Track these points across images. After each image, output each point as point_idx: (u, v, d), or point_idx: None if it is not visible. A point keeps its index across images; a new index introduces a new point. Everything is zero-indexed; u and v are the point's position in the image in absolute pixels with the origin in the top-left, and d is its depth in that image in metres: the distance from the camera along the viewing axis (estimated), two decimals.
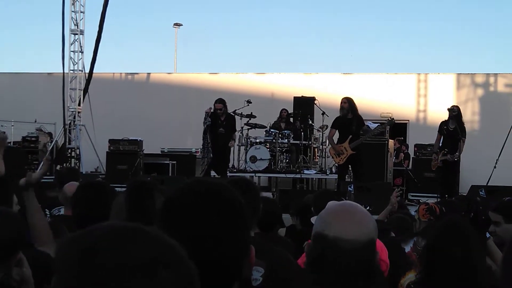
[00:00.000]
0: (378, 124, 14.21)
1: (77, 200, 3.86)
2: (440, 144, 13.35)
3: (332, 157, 13.52)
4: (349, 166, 13.37)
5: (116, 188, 4.06)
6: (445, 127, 13.21)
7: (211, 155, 14.20)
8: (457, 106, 13.50)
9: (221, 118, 14.04)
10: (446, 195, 12.62)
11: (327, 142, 16.50)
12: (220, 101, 14.17)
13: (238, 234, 1.68)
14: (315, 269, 2.22)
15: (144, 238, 1.21)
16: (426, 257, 3.27)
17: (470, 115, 20.19)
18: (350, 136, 12.99)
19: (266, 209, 5.31)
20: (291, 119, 17.04)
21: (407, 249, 4.71)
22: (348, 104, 13.09)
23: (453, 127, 13.02)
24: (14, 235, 2.73)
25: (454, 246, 3.16)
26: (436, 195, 13.27)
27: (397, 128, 17.68)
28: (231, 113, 14.55)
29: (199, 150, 15.10)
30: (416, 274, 3.57)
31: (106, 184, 4.01)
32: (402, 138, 15.90)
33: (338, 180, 13.49)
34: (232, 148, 15.14)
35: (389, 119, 13.76)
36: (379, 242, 4.11)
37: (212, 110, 14.14)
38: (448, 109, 13.22)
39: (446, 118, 13.31)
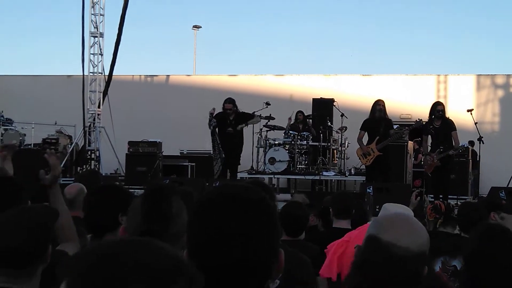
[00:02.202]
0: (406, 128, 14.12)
1: (85, 204, 3.90)
2: (430, 145, 13.16)
3: (359, 158, 13.60)
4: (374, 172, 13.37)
5: (136, 190, 4.08)
6: (431, 126, 12.95)
7: (223, 155, 14.23)
8: (441, 106, 13.26)
9: (230, 118, 13.99)
10: (441, 196, 12.47)
11: (346, 143, 16.51)
12: (230, 101, 14.12)
13: (266, 234, 1.71)
14: (363, 271, 2.22)
15: (160, 249, 1.25)
16: (471, 267, 3.22)
17: (490, 116, 20.08)
18: (378, 138, 13.03)
19: (296, 213, 5.26)
20: (310, 121, 17.01)
21: (436, 269, 4.65)
22: (384, 107, 13.18)
23: (439, 124, 12.80)
24: (42, 234, 2.81)
25: (499, 251, 3.13)
26: (455, 196, 13.16)
27: (417, 129, 17.58)
28: (242, 111, 14.41)
29: (211, 151, 15.09)
30: None
31: (117, 188, 4.01)
32: (419, 139, 15.80)
33: (364, 183, 13.46)
34: (251, 150, 15.17)
35: (418, 120, 13.67)
36: None
37: (215, 111, 14.13)
38: (435, 110, 12.90)
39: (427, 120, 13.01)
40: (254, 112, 15.28)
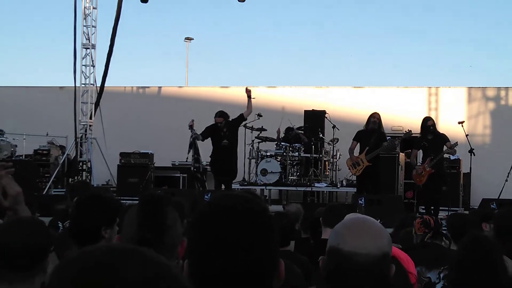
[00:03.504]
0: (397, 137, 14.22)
1: (71, 212, 3.88)
2: (421, 159, 13.21)
3: (349, 168, 13.71)
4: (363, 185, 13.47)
5: (127, 201, 4.06)
6: (423, 140, 13.01)
7: (201, 163, 14.35)
8: (432, 121, 13.30)
9: (223, 130, 13.97)
10: (432, 207, 12.56)
11: (337, 155, 16.56)
12: (220, 114, 14.05)
13: (267, 245, 1.74)
14: (330, 283, 2.23)
15: (142, 258, 1.23)
16: (456, 276, 3.27)
17: (481, 129, 20.16)
18: (367, 148, 13.10)
19: (281, 223, 5.31)
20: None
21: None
22: (378, 120, 13.29)
23: (431, 137, 12.88)
24: (44, 241, 2.91)
25: (483, 261, 3.17)
26: (446, 207, 13.23)
27: (408, 141, 17.64)
28: (231, 120, 14.37)
29: (192, 163, 15.21)
30: None
31: (104, 199, 3.88)
32: (409, 151, 15.85)
33: (355, 194, 13.53)
34: (243, 161, 15.21)
35: (407, 131, 13.76)
36: (405, 255, 4.12)
37: (193, 123, 14.17)
38: (426, 126, 12.97)
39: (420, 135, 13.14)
40: (246, 123, 15.31)
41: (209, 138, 14.06)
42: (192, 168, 15.56)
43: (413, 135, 13.59)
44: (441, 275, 4.64)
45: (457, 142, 13.06)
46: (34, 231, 2.90)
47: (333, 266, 2.20)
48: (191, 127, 14.21)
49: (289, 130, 16.60)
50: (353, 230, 2.25)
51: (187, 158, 15.10)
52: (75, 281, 1.17)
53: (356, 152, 13.59)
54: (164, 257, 1.26)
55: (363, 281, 2.16)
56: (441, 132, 13.32)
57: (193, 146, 14.58)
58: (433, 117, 20.57)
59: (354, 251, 2.16)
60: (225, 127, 13.94)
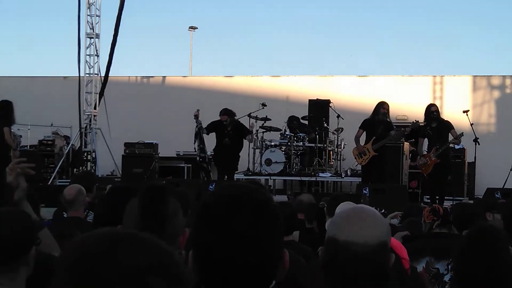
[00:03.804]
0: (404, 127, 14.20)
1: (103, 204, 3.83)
2: (427, 148, 13.24)
3: (355, 158, 13.67)
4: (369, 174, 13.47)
5: None
6: (428, 128, 13.07)
7: (204, 154, 14.47)
8: (435, 106, 13.38)
9: (227, 128, 14.01)
10: (437, 197, 12.56)
11: (342, 144, 16.52)
12: (225, 112, 14.11)
13: (273, 235, 1.74)
14: (328, 272, 2.22)
15: (135, 245, 1.22)
16: (459, 266, 3.25)
17: (486, 118, 20.09)
18: (374, 138, 13.08)
19: (284, 213, 5.30)
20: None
21: (419, 268, 4.67)
22: (387, 110, 13.35)
23: (435, 124, 12.91)
24: (26, 234, 2.84)
25: (487, 252, 3.15)
26: (451, 197, 13.21)
27: (413, 130, 17.60)
28: (239, 121, 14.48)
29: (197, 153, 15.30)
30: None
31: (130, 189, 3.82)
32: (413, 140, 15.84)
33: (360, 184, 13.54)
34: (247, 151, 15.25)
35: (414, 121, 13.73)
36: (397, 242, 4.12)
37: (198, 113, 14.22)
38: (430, 111, 13.06)
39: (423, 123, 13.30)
40: (250, 113, 15.32)
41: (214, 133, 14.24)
42: (197, 158, 15.58)
43: (420, 124, 13.57)
44: (449, 267, 4.63)
45: (463, 133, 13.07)
46: (16, 224, 2.83)
47: (330, 256, 2.19)
48: (196, 117, 14.25)
49: (292, 119, 16.57)
50: (349, 220, 2.23)
51: (194, 148, 15.12)
52: (73, 266, 1.18)
53: (362, 141, 13.57)
54: (165, 243, 1.26)
55: (360, 271, 2.14)
56: (445, 119, 13.33)
57: (198, 136, 14.60)
58: (437, 106, 20.64)
59: (351, 241, 2.14)
60: (229, 125, 13.99)
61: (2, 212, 2.93)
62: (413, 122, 13.81)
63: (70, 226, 5.15)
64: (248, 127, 14.54)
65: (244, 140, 14.42)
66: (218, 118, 14.30)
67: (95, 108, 18.07)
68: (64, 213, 6.24)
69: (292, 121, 16.46)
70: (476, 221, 5.06)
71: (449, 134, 12.88)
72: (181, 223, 2.48)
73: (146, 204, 2.44)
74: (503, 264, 3.15)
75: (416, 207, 7.48)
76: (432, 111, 12.98)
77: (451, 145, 13.43)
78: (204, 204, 1.79)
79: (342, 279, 2.16)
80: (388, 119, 13.49)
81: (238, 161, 14.51)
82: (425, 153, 13.03)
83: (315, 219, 6.74)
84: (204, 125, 14.38)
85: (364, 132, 13.51)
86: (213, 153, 14.89)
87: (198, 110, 14.27)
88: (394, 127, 13.92)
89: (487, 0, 32.22)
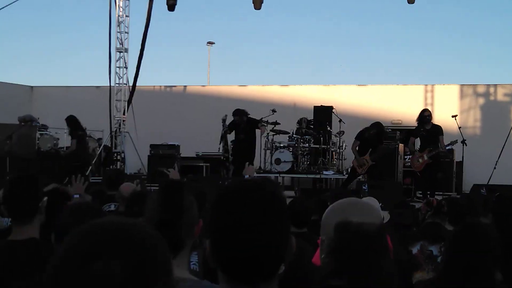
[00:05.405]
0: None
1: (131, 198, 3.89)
2: (419, 146, 13.47)
3: (356, 168, 13.95)
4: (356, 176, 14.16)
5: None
6: (422, 129, 13.23)
7: (230, 155, 14.68)
8: (428, 111, 13.61)
9: (240, 126, 14.26)
10: (428, 192, 12.63)
11: (343, 146, 16.55)
12: (235, 113, 14.44)
13: (281, 221, 1.73)
14: (340, 258, 2.17)
15: (89, 230, 1.16)
16: (448, 259, 3.19)
17: (472, 122, 20.02)
18: (370, 150, 13.68)
19: (302, 207, 5.31)
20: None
21: (414, 251, 4.66)
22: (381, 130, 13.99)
23: (429, 127, 13.09)
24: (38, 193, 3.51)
25: (476, 247, 3.08)
26: (441, 192, 13.17)
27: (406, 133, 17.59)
28: (249, 116, 14.69)
29: (221, 153, 15.43)
30: (427, 272, 3.52)
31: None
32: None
33: (344, 181, 14.43)
34: (259, 152, 15.32)
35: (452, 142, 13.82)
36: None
37: (226, 118, 14.51)
38: (424, 116, 13.31)
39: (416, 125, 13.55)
40: (262, 118, 15.34)
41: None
42: (222, 158, 15.65)
43: (406, 128, 13.98)
44: (442, 249, 4.60)
45: (456, 140, 13.27)
46: (32, 187, 3.47)
47: (344, 235, 2.15)
48: (223, 121, 14.42)
49: (301, 121, 16.60)
50: (355, 206, 2.28)
51: (219, 148, 15.26)
52: (69, 251, 1.14)
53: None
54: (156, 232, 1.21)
55: (370, 247, 2.11)
56: (436, 124, 13.52)
57: (224, 138, 14.76)
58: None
59: (363, 221, 2.13)
60: (241, 123, 14.20)
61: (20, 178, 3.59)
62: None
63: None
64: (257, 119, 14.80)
65: (256, 133, 14.78)
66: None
67: (124, 114, 18.14)
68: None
69: (302, 123, 16.50)
70: (468, 218, 5.00)
71: (439, 138, 13.04)
72: (196, 214, 2.52)
73: (165, 198, 2.48)
74: (490, 265, 3.06)
75: (405, 201, 7.67)
76: (425, 115, 13.24)
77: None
78: (220, 193, 1.79)
79: (354, 256, 2.13)
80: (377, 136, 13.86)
81: (254, 154, 14.73)
82: (417, 150, 13.31)
83: (317, 210, 6.71)
84: None
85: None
86: (232, 146, 15.17)
87: (226, 115, 14.43)
88: (389, 129, 14.19)
89: (475, 16, 32.13)
